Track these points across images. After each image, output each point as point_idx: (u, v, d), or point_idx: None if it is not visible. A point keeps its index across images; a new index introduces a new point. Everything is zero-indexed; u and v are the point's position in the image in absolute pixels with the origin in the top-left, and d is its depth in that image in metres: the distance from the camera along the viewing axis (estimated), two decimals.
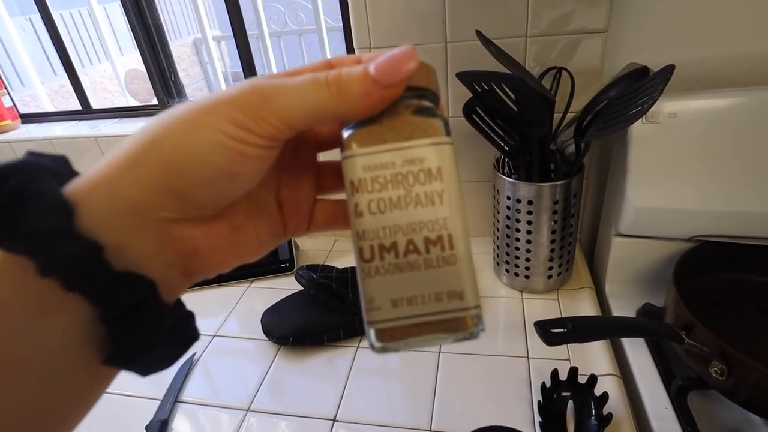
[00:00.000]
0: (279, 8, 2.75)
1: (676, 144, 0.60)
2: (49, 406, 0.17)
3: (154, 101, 1.06)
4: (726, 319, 0.57)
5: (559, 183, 0.62)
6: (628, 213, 0.64)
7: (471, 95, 0.58)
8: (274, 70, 1.07)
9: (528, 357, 0.60)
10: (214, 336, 0.70)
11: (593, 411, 0.51)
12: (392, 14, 0.68)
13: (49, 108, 1.22)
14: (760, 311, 0.59)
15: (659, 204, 0.62)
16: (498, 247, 0.73)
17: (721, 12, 0.62)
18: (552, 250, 0.67)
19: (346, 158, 0.20)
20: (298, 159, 0.25)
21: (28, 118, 1.11)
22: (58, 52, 1.03)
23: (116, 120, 1.05)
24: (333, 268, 0.73)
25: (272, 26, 2.72)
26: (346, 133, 0.21)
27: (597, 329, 0.52)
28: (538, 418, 0.51)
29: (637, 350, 0.60)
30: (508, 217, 0.67)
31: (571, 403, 0.53)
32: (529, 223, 0.65)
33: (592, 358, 0.58)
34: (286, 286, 0.78)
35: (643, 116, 0.55)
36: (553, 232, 0.66)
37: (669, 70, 0.50)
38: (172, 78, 1.03)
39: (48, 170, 0.18)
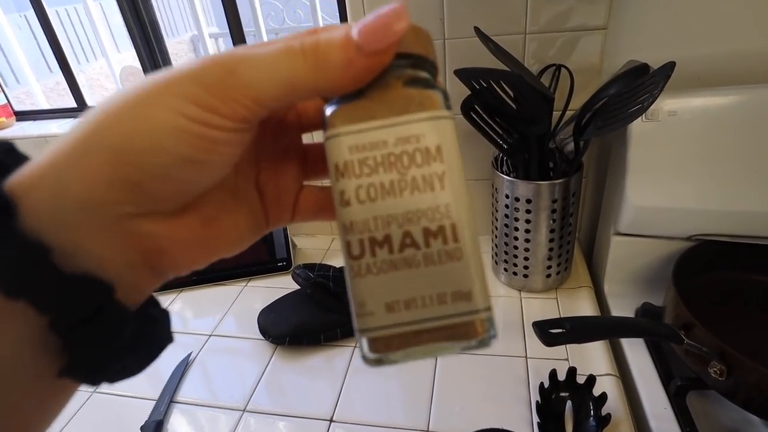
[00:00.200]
0: (277, 5, 2.74)
1: (676, 142, 0.59)
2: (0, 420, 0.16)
3: None
4: (726, 318, 0.57)
5: (557, 181, 0.62)
6: (627, 212, 0.64)
7: (469, 92, 0.57)
8: None
9: (526, 357, 0.60)
10: (210, 335, 0.69)
11: (592, 411, 0.50)
12: None
13: (45, 105, 1.21)
14: (760, 311, 0.59)
15: (659, 203, 0.62)
16: (496, 246, 0.72)
17: (722, 9, 0.61)
18: (551, 249, 0.67)
19: (329, 138, 0.18)
20: (279, 141, 0.22)
21: (22, 116, 1.10)
22: (53, 49, 1.02)
23: None
24: (330, 267, 0.73)
25: (270, 23, 2.71)
26: (328, 110, 0.18)
27: (596, 329, 0.52)
28: (536, 419, 0.51)
29: (636, 350, 0.60)
30: (506, 216, 0.67)
31: (569, 403, 0.52)
32: (528, 221, 0.65)
33: (591, 358, 0.58)
34: (283, 285, 0.77)
35: (643, 114, 0.55)
36: (552, 231, 0.65)
37: (670, 67, 0.49)
38: None
39: None
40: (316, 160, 0.24)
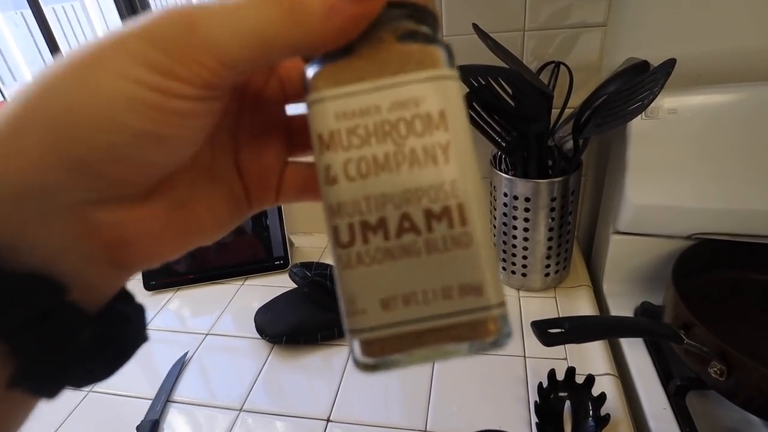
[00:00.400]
0: None
1: (676, 140, 0.59)
2: None
3: None
4: (725, 318, 0.56)
5: (556, 180, 0.61)
6: (626, 210, 0.63)
7: (467, 90, 0.57)
8: None
9: (525, 356, 0.59)
10: (207, 334, 0.69)
11: (590, 411, 0.50)
12: None
13: None
14: (761, 310, 0.59)
15: (658, 201, 0.61)
16: (495, 245, 0.72)
17: (722, 7, 0.61)
18: (549, 248, 0.66)
19: (312, 104, 0.15)
20: (260, 112, 0.19)
21: None
22: (49, 47, 1.02)
23: None
24: (328, 265, 0.72)
25: None
26: (310, 71, 0.15)
27: (595, 329, 0.52)
28: (534, 419, 0.51)
29: (635, 350, 0.60)
30: (504, 214, 0.66)
31: (568, 403, 0.52)
32: (527, 220, 0.64)
33: (590, 358, 0.57)
34: (280, 283, 0.77)
35: (643, 112, 0.54)
36: (551, 229, 0.65)
37: (670, 64, 0.49)
38: None
39: None
40: (302, 133, 0.20)
